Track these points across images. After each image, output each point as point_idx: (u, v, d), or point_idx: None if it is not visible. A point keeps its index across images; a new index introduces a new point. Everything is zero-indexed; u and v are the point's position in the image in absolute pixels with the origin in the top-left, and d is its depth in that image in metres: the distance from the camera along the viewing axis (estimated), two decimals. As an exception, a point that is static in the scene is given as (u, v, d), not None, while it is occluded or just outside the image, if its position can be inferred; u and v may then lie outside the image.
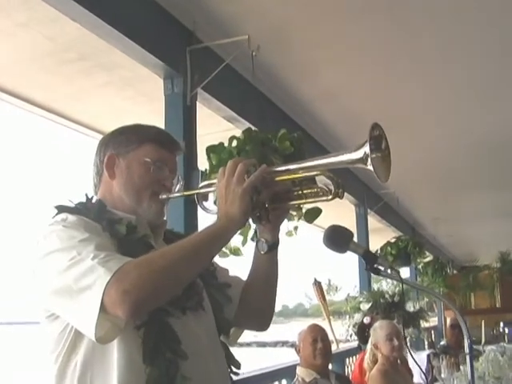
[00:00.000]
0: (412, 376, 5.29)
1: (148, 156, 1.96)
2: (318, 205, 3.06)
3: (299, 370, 4.43)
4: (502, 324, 10.51)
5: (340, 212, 7.75)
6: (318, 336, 4.48)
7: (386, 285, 8.61)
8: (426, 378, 5.76)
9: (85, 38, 3.82)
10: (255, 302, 2.11)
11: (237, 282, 2.15)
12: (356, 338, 7.22)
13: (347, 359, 7.73)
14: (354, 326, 7.35)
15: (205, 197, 2.06)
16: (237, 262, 3.09)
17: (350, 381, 4.98)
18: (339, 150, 1.78)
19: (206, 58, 4.38)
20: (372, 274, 1.98)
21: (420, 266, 12.35)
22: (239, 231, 3.10)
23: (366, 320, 6.81)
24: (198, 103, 4.36)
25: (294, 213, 3.28)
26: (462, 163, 8.48)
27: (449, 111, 6.43)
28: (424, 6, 4.28)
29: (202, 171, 3.85)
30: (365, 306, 7.67)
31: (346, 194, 6.34)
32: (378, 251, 9.77)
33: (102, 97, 5.09)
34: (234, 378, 2.07)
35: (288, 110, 5.99)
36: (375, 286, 8.98)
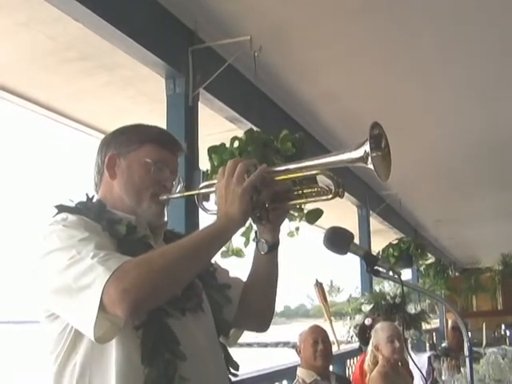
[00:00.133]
0: (413, 378, 5.28)
1: (149, 156, 1.95)
2: (320, 206, 3.06)
3: (300, 371, 4.42)
4: (503, 326, 10.48)
5: (342, 213, 7.76)
6: (318, 337, 4.46)
7: (387, 286, 8.59)
8: (426, 381, 5.75)
9: (86, 37, 3.82)
10: (255, 303, 2.11)
11: (237, 282, 2.14)
12: (357, 339, 7.21)
13: (348, 361, 7.72)
14: (355, 328, 7.34)
15: (206, 197, 2.06)
16: (239, 263, 3.08)
17: (350, 382, 4.97)
18: (344, 148, 1.77)
19: (208, 58, 4.38)
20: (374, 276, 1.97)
21: (422, 268, 12.34)
22: (241, 232, 3.11)
23: (367, 321, 6.80)
24: (199, 103, 4.36)
25: (296, 213, 3.28)
26: (464, 164, 8.48)
27: (449, 111, 6.42)
28: (424, 6, 4.28)
29: (203, 171, 3.85)
30: (366, 308, 7.65)
31: (348, 195, 6.32)
32: (380, 253, 9.77)
33: (103, 96, 5.09)
34: (233, 379, 2.06)
35: (289, 110, 5.99)
36: (377, 288, 8.98)
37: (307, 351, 4.42)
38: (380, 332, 4.98)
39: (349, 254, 1.96)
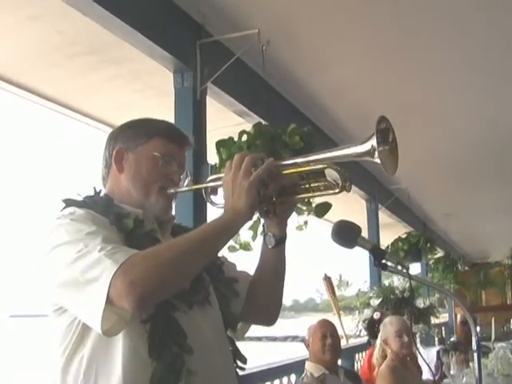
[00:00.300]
0: (421, 372, 5.27)
1: (156, 150, 1.96)
2: (328, 199, 3.05)
3: (308, 365, 4.42)
4: (512, 321, 10.46)
5: (351, 207, 7.76)
6: (327, 331, 4.47)
7: (396, 280, 8.57)
8: (434, 376, 5.75)
9: (93, 31, 3.81)
10: (262, 297, 2.11)
11: (244, 276, 2.14)
12: (365, 333, 7.20)
13: (357, 355, 7.72)
14: (363, 322, 7.34)
15: (214, 191, 2.06)
16: (247, 257, 3.09)
17: (358, 376, 4.96)
18: (351, 142, 1.76)
19: (216, 51, 4.37)
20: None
21: (431, 262, 12.31)
22: (249, 226, 3.12)
23: (376, 315, 6.80)
24: (207, 97, 4.35)
25: (304, 207, 3.28)
26: (473, 158, 8.44)
27: (462, 105, 6.39)
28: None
29: (211, 165, 3.85)
30: (375, 302, 7.64)
31: (356, 189, 6.32)
32: (389, 247, 9.76)
33: (111, 90, 5.08)
34: (240, 372, 2.06)
35: (298, 104, 5.97)
36: (386, 282, 8.96)
37: (316, 345, 4.42)
38: (389, 326, 4.98)
39: (356, 247, 1.95)
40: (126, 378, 1.69)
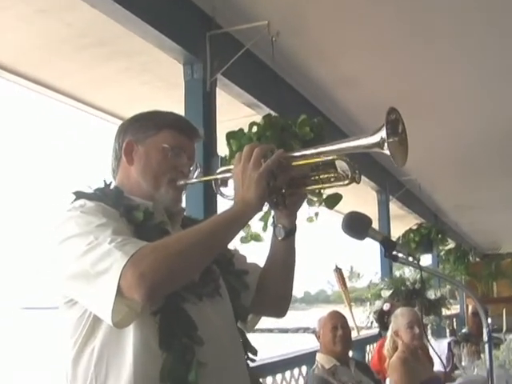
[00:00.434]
0: (433, 364, 5.27)
1: (166, 142, 1.96)
2: (339, 191, 3.05)
3: (319, 357, 4.43)
4: (524, 312, 10.41)
5: (362, 198, 7.73)
6: (338, 323, 4.47)
7: (408, 271, 8.56)
8: (445, 367, 5.74)
9: (103, 23, 3.80)
10: (272, 289, 2.11)
11: (254, 268, 2.14)
12: (376, 325, 7.20)
13: (368, 346, 7.71)
14: (374, 313, 7.33)
15: (225, 182, 2.06)
16: (258, 249, 3.09)
17: (370, 368, 4.96)
18: (360, 134, 1.76)
19: (226, 43, 4.36)
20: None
21: (442, 254, 12.28)
22: (259, 217, 3.12)
23: (386, 307, 6.80)
24: (217, 89, 4.35)
25: (315, 198, 3.28)
26: (484, 149, 8.39)
27: (473, 97, 6.36)
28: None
29: (221, 157, 3.85)
30: (386, 293, 7.64)
31: (367, 180, 6.30)
32: (400, 238, 9.75)
33: (121, 82, 5.08)
34: (251, 364, 2.06)
35: (308, 96, 5.96)
36: (397, 273, 8.95)
37: (326, 337, 4.43)
38: (400, 318, 4.97)
39: (367, 239, 1.95)
40: (137, 370, 1.69)
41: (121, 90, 5.23)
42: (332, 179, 1.89)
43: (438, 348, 7.01)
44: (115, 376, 1.72)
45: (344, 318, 4.64)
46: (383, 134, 1.67)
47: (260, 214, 2.93)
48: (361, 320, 8.43)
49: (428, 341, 5.49)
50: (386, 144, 1.67)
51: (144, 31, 3.78)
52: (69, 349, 1.80)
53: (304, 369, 5.50)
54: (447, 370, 6.14)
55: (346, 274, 11.52)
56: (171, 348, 1.72)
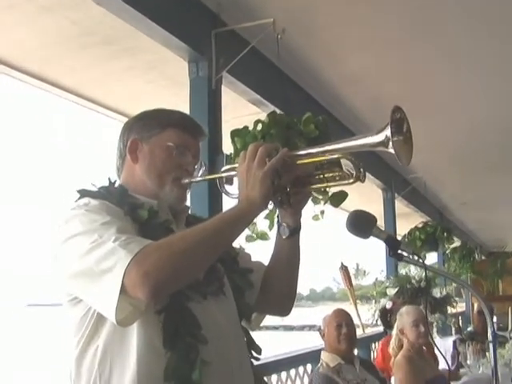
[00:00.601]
0: (438, 362, 5.26)
1: (171, 141, 1.96)
2: (345, 189, 3.04)
3: (323, 355, 4.42)
4: (529, 310, 10.38)
5: (367, 196, 7.73)
6: (342, 321, 4.46)
7: (413, 269, 8.55)
8: (449, 366, 5.73)
9: (109, 21, 3.82)
10: (277, 287, 2.10)
11: (259, 267, 2.14)
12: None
13: (373, 344, 7.71)
14: (379, 311, 7.33)
15: (230, 181, 2.05)
16: (264, 247, 3.09)
17: (374, 366, 4.94)
18: (365, 133, 1.76)
19: (231, 41, 4.36)
20: (399, 259, 1.96)
21: (447, 252, 12.27)
22: (265, 215, 3.12)
23: (388, 305, 6.80)
24: (223, 87, 4.35)
25: (320, 196, 3.27)
26: (490, 147, 8.37)
27: (479, 93, 6.34)
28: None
29: (226, 155, 3.85)
30: (391, 291, 7.64)
31: (373, 178, 6.29)
32: (406, 236, 9.74)
33: (127, 80, 5.10)
34: (255, 362, 2.06)
35: (313, 93, 5.96)
36: (403, 271, 8.94)
37: (331, 335, 4.42)
38: (405, 316, 4.96)
39: (372, 237, 1.95)
40: (141, 369, 1.69)
41: (126, 88, 5.24)
42: (337, 178, 1.89)
43: (444, 346, 7.01)
44: (119, 375, 1.72)
45: (349, 316, 4.62)
46: (388, 132, 1.66)
47: (265, 213, 2.93)
48: (366, 318, 8.43)
49: (432, 340, 5.47)
50: (390, 143, 1.66)
51: (149, 29, 3.78)
52: (72, 347, 1.80)
53: (309, 367, 5.50)
54: (452, 368, 6.13)
55: (351, 272, 11.54)
56: (175, 347, 1.71)
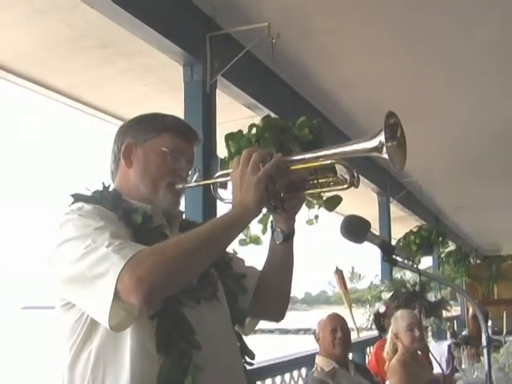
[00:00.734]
0: (432, 367, 5.26)
1: (165, 145, 1.96)
2: (339, 193, 3.04)
3: (318, 359, 4.42)
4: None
5: (362, 200, 7.74)
6: (337, 325, 4.46)
7: (408, 273, 8.56)
8: (443, 370, 5.73)
9: (104, 25, 3.81)
10: (270, 292, 2.10)
11: (252, 272, 2.14)
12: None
13: (368, 348, 7.71)
14: (373, 315, 7.34)
15: (224, 185, 2.05)
16: (258, 252, 3.08)
17: (369, 371, 4.95)
18: (359, 138, 1.76)
19: (226, 44, 4.36)
20: (393, 264, 1.96)
21: (443, 256, 12.28)
22: (257, 220, 3.11)
23: (382, 309, 6.81)
24: (217, 90, 4.34)
25: (315, 201, 3.27)
26: (485, 150, 8.38)
27: (473, 98, 6.35)
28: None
29: (221, 159, 3.84)
30: (386, 295, 7.64)
31: (368, 182, 6.29)
32: (401, 240, 9.75)
33: (122, 84, 5.09)
34: (249, 367, 2.06)
35: (308, 97, 5.96)
36: (398, 275, 8.95)
37: (326, 339, 4.42)
38: (400, 320, 4.96)
39: (366, 242, 1.95)
40: (134, 374, 1.69)
41: (121, 92, 5.24)
42: (331, 183, 1.89)
43: (439, 350, 7.02)
44: (112, 380, 1.71)
45: (344, 320, 4.63)
46: (382, 138, 1.66)
47: (259, 217, 2.92)
48: (361, 322, 8.42)
49: (426, 344, 5.47)
50: (384, 148, 1.67)
51: (144, 33, 3.78)
52: (65, 352, 1.80)
53: (303, 371, 5.50)
54: (447, 372, 6.14)
55: (347, 275, 11.56)
56: (169, 352, 1.71)
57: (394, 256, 1.89)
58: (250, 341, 2.12)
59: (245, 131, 3.48)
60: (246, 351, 2.06)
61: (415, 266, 1.95)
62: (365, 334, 8.79)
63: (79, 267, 1.64)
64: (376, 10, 4.40)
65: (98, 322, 1.67)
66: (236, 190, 1.82)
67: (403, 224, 10.43)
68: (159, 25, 3.75)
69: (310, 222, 3.50)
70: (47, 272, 1.77)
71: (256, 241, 3.32)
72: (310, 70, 5.40)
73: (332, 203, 3.20)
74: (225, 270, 2.06)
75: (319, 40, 4.84)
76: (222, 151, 3.87)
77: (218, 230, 1.77)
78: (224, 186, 2.05)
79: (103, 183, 1.97)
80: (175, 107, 3.78)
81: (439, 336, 9.11)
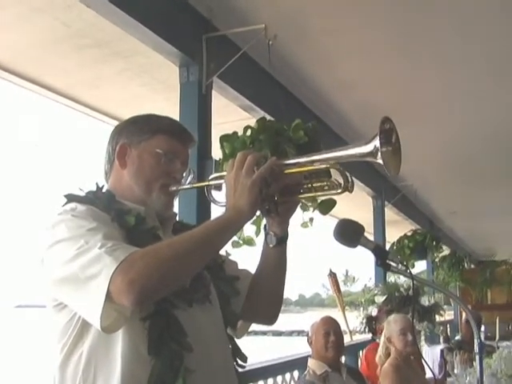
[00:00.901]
0: (425, 371, 5.26)
1: (159, 147, 1.96)
2: (334, 196, 3.04)
3: (310, 363, 4.41)
4: (517, 320, 10.44)
5: (357, 204, 7.73)
6: (330, 329, 4.45)
7: (402, 277, 8.55)
8: (434, 375, 5.73)
9: (101, 24, 3.80)
10: (263, 295, 2.11)
11: (245, 274, 2.14)
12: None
13: (361, 352, 7.70)
14: (366, 318, 7.34)
15: (218, 187, 2.05)
16: (251, 254, 3.08)
17: (361, 374, 4.95)
18: (356, 141, 1.76)
19: (222, 46, 4.35)
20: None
21: (437, 260, 12.28)
22: (250, 222, 3.10)
23: (374, 312, 6.81)
24: (213, 92, 4.34)
25: (310, 203, 3.27)
26: (481, 155, 8.39)
27: (469, 102, 6.35)
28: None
29: (216, 160, 3.84)
30: (379, 299, 7.64)
31: (363, 185, 6.29)
32: (395, 244, 9.75)
33: (119, 84, 5.07)
34: (240, 370, 2.05)
35: (305, 100, 5.95)
36: (392, 279, 8.94)
37: (318, 342, 4.41)
38: (393, 324, 4.96)
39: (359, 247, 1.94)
40: (125, 375, 1.69)
41: (117, 91, 5.22)
42: (325, 187, 1.89)
43: (432, 355, 7.02)
44: (103, 381, 1.71)
45: (337, 323, 4.62)
46: (377, 143, 1.67)
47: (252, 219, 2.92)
48: (354, 325, 8.42)
49: (418, 349, 5.47)
50: (379, 153, 1.67)
51: (140, 33, 3.76)
52: (56, 353, 1.79)
53: (296, 374, 5.48)
54: (440, 377, 6.14)
55: (341, 278, 11.57)
56: (160, 354, 1.71)
57: (387, 261, 1.89)
58: (243, 342, 2.12)
59: (240, 133, 3.48)
60: (238, 354, 2.06)
61: (408, 271, 1.94)
62: (358, 337, 8.78)
63: (71, 268, 1.64)
64: (373, 12, 4.40)
65: (90, 324, 1.67)
66: (230, 193, 1.82)
67: (398, 228, 10.43)
68: (156, 25, 3.74)
69: (304, 225, 3.49)
70: (40, 272, 1.77)
71: (249, 242, 3.31)
72: (307, 72, 5.39)
73: (326, 206, 3.19)
74: (217, 273, 2.06)
75: (316, 42, 4.83)
76: (216, 153, 3.87)
77: (211, 233, 1.76)
78: (218, 188, 2.05)
79: (97, 184, 1.97)
80: (171, 108, 3.78)
81: (432, 340, 9.11)
